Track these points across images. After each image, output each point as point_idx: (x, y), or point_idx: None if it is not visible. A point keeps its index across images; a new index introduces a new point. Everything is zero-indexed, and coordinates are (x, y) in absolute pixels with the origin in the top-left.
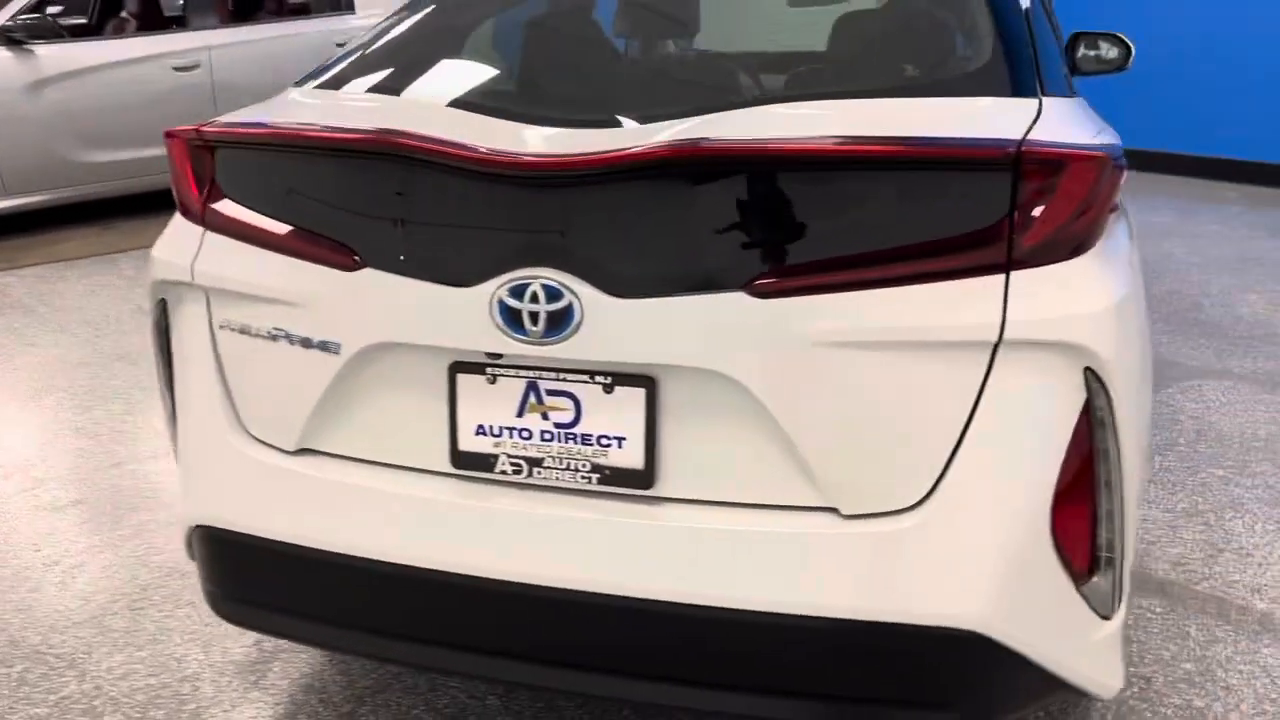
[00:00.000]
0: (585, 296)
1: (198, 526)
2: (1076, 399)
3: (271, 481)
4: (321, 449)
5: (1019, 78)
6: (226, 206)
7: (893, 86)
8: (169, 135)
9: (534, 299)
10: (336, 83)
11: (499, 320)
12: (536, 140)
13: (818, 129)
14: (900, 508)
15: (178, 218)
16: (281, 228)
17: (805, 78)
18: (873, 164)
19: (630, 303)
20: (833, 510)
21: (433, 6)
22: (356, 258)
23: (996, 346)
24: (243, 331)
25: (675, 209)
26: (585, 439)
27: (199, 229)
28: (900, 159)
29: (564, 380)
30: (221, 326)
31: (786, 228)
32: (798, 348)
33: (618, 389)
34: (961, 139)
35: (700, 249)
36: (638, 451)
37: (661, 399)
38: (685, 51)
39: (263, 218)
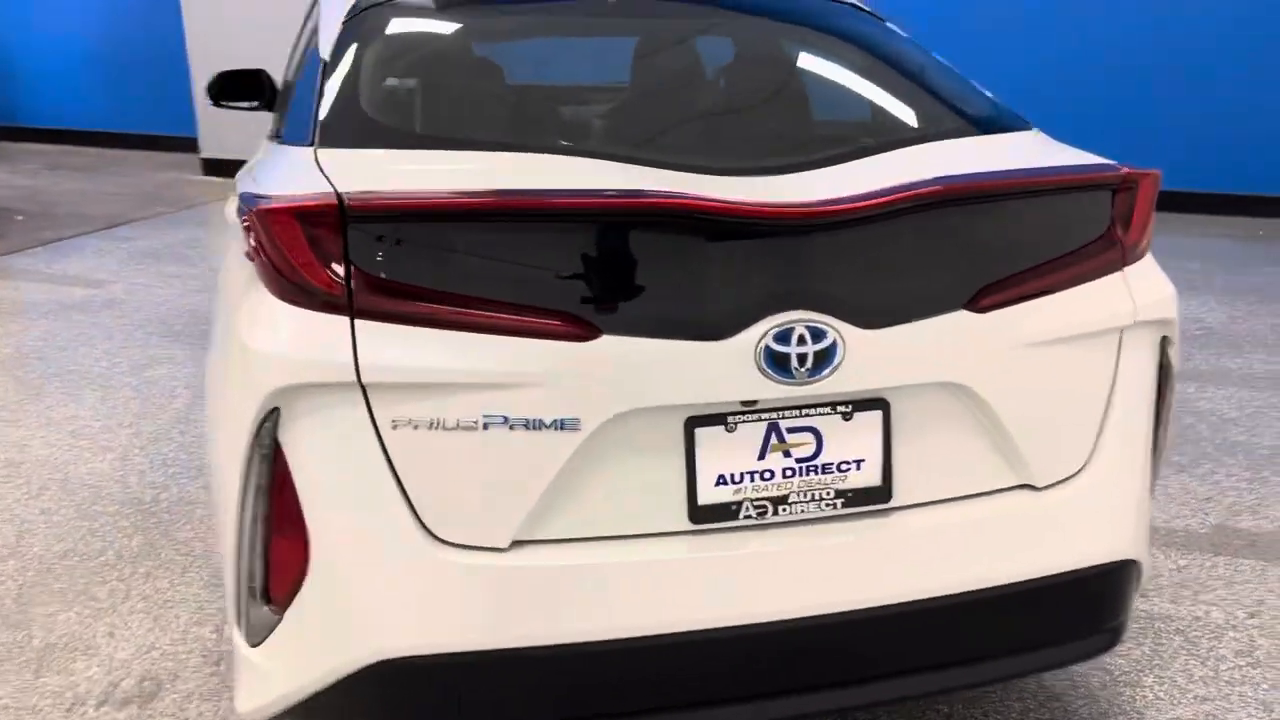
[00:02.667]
0: (843, 333)
1: (376, 664)
2: (1154, 362)
3: (481, 588)
4: (540, 537)
5: (1015, 115)
6: (390, 288)
7: (949, 129)
8: (267, 213)
9: (800, 341)
10: (368, 138)
11: (764, 366)
12: (766, 190)
13: (975, 166)
14: (1073, 474)
15: (285, 308)
16: (484, 305)
17: (880, 123)
18: (1038, 192)
19: (876, 333)
20: (1029, 486)
21: (393, 32)
22: (592, 326)
23: (1124, 330)
24: (431, 426)
25: (909, 243)
26: (826, 468)
27: (342, 319)
28: (1054, 187)
29: (806, 416)
30: (394, 425)
31: (990, 251)
32: (1009, 350)
33: (856, 415)
34: (1084, 165)
35: (929, 277)
36: (876, 470)
37: (894, 417)
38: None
39: (454, 297)
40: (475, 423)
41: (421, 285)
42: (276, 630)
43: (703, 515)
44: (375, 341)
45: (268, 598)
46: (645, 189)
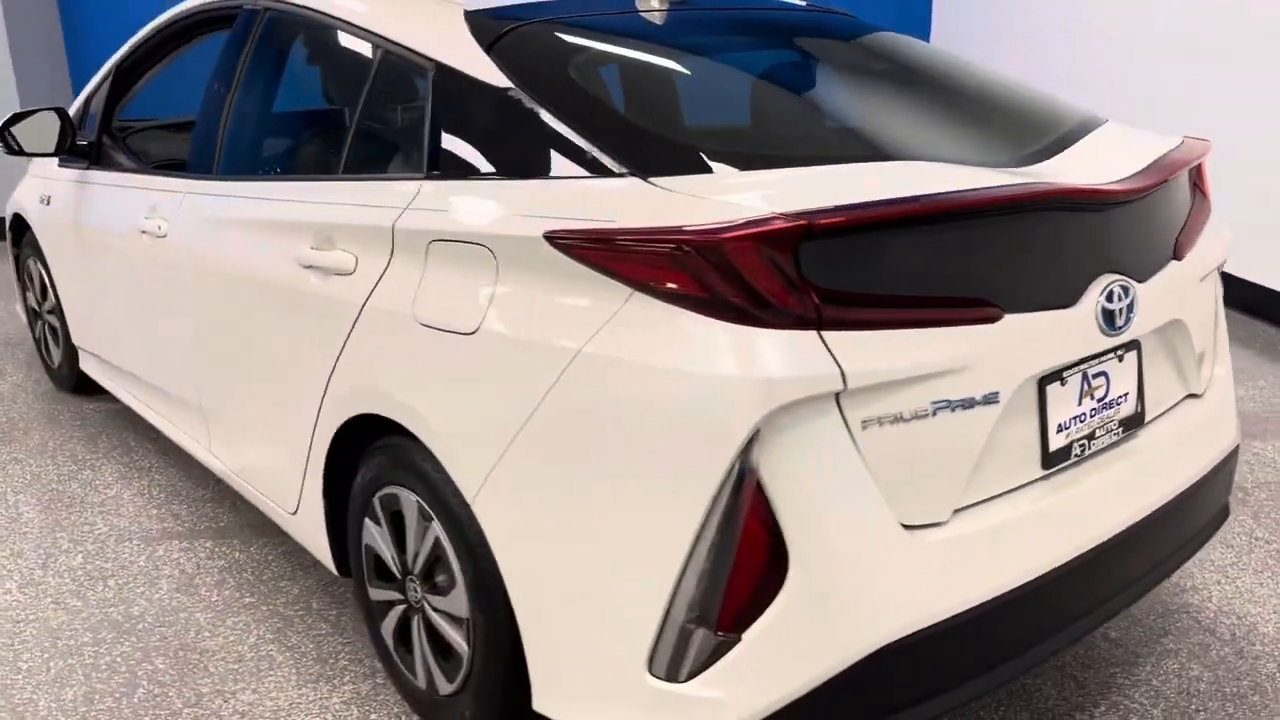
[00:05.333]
0: (1135, 289)
1: (874, 653)
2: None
3: (939, 560)
4: (961, 505)
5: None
6: (845, 298)
7: (1091, 122)
8: (731, 240)
9: (1117, 298)
10: (692, 163)
11: (1101, 324)
12: (1047, 175)
13: (1154, 147)
14: (1209, 380)
15: (755, 332)
16: (920, 302)
17: (1040, 117)
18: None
19: (1144, 286)
20: (1193, 395)
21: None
22: (997, 308)
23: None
24: (894, 421)
25: (1157, 209)
26: (1112, 404)
27: (811, 333)
28: (1196, 158)
29: (1103, 362)
30: (864, 425)
31: (1179, 211)
32: (1192, 287)
33: (1125, 356)
34: (1194, 139)
35: (1162, 235)
36: (1134, 399)
37: (1144, 354)
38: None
39: (897, 298)
40: (925, 410)
41: (868, 291)
42: (728, 656)
43: (1051, 460)
44: (845, 350)
45: (719, 625)
46: (1031, 182)
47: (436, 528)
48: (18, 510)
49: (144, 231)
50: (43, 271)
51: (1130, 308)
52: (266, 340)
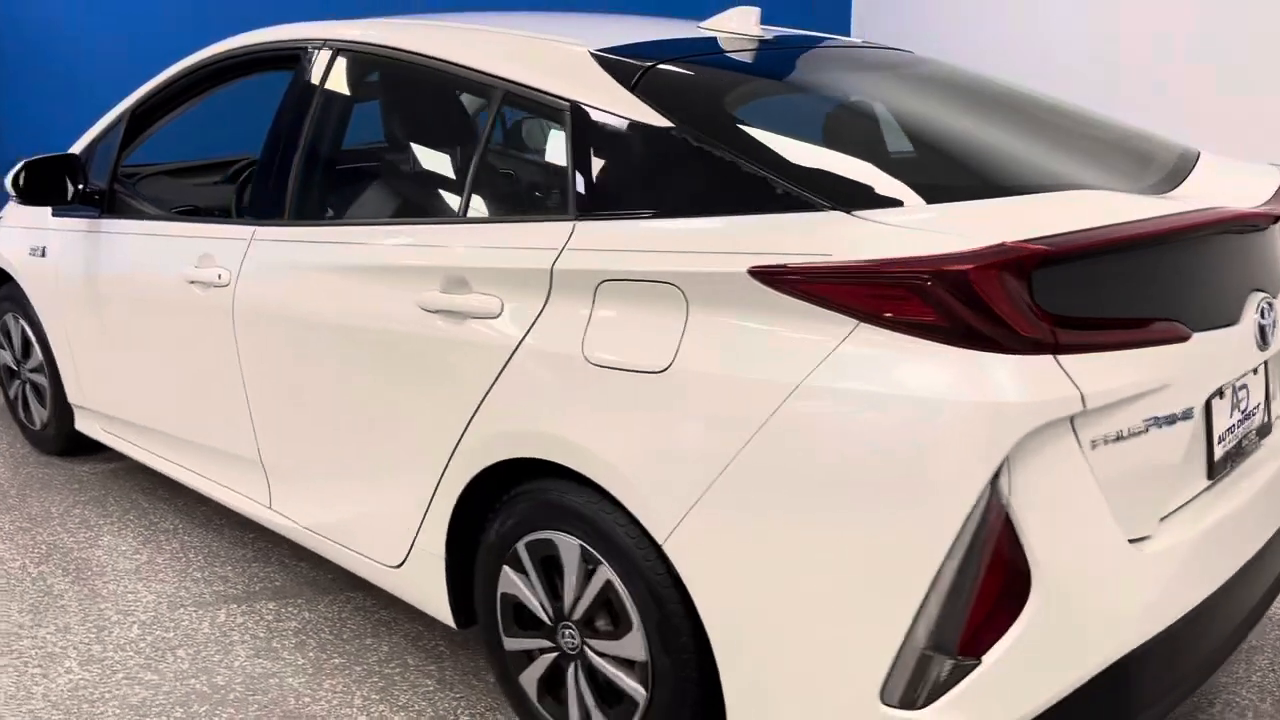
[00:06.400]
0: (1277, 305)
1: (1113, 665)
2: None
3: (1158, 568)
4: (1161, 515)
5: None
6: (1074, 322)
7: (1191, 152)
8: (974, 271)
9: (1265, 314)
10: (881, 198)
11: (1257, 340)
12: (1189, 201)
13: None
14: None
15: (1001, 359)
16: (1131, 324)
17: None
18: None
19: (1276, 301)
20: None
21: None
22: (1188, 327)
23: None
24: (1117, 439)
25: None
26: (1251, 414)
27: (1047, 357)
28: None
29: (1247, 376)
30: (1093, 445)
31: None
32: None
33: (1258, 369)
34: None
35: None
36: (1262, 409)
37: (1270, 366)
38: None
39: (1115, 320)
40: (1139, 428)
41: (1089, 315)
42: (968, 679)
43: (1214, 471)
44: (1078, 372)
45: (960, 650)
46: (1212, 207)
47: (606, 571)
48: (46, 582)
49: (194, 281)
50: (25, 327)
51: (1275, 323)
52: (374, 388)
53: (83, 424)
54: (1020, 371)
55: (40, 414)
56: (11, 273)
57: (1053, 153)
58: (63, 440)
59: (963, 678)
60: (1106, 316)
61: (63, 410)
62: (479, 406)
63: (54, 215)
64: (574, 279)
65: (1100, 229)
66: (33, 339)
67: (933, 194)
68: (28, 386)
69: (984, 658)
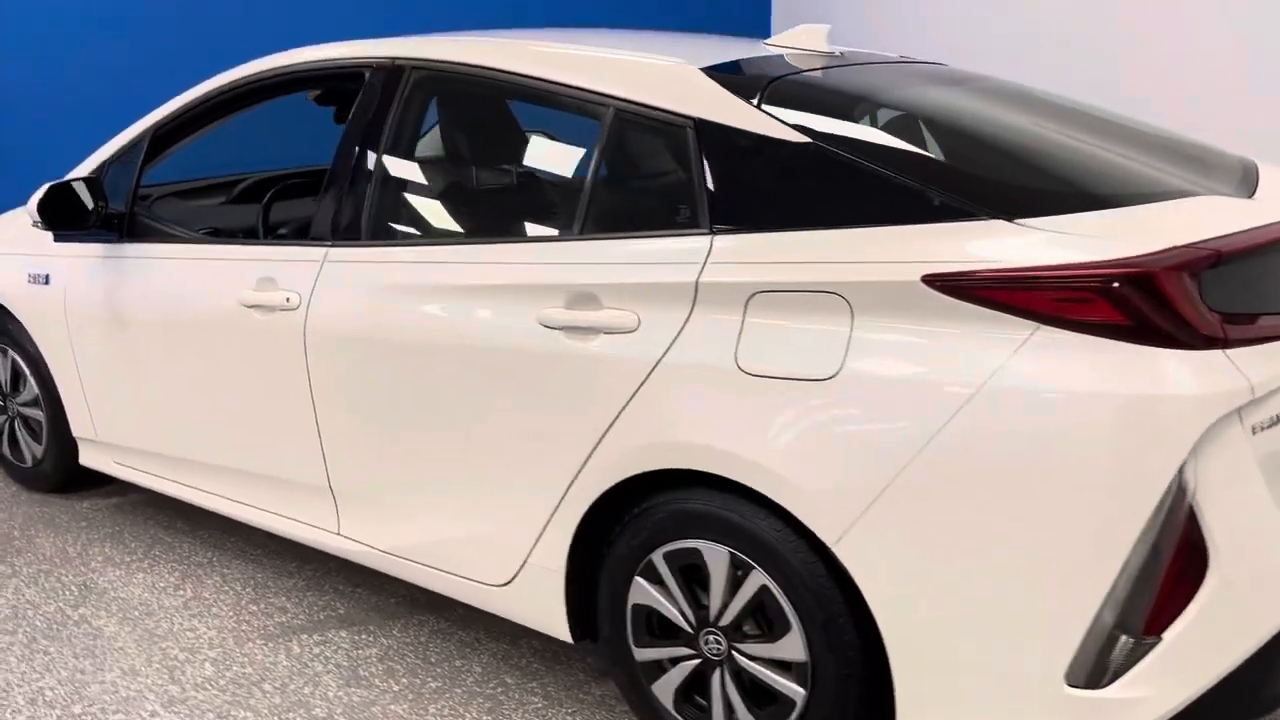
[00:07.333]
0: None
1: None
2: None
3: None
4: None
5: None
6: (1238, 317)
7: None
8: (1160, 273)
9: None
10: (1040, 205)
11: None
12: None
13: None
14: None
15: (1181, 355)
16: (1273, 316)
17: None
18: None
19: None
20: None
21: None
22: None
23: None
24: (1271, 425)
25: None
26: None
27: (1218, 351)
28: None
29: None
30: (1255, 431)
31: None
32: None
33: None
34: None
35: None
36: None
37: None
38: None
39: (1260, 315)
40: None
41: (1245, 310)
42: (1150, 655)
43: None
44: (1245, 364)
45: (1145, 630)
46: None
47: (760, 576)
48: (92, 625)
49: (253, 305)
50: (16, 359)
51: None
52: (483, 406)
53: (88, 458)
54: (1200, 366)
55: (33, 450)
56: (4, 302)
57: (1149, 162)
58: (60, 476)
59: (1144, 655)
60: (1259, 311)
61: (64, 444)
62: (615, 420)
63: (56, 241)
64: (721, 291)
65: (1255, 230)
66: (26, 371)
67: (1071, 203)
68: (17, 422)
69: (1164, 635)
